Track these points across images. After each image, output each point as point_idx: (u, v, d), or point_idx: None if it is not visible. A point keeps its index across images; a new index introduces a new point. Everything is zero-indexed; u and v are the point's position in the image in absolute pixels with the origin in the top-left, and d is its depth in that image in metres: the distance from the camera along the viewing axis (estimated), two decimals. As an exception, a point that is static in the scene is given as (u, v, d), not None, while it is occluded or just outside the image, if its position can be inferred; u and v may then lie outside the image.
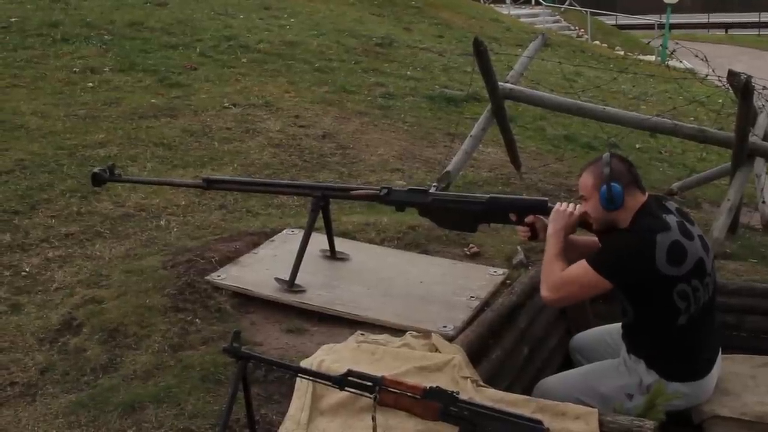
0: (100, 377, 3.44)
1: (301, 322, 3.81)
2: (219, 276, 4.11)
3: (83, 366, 3.52)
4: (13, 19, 10.09)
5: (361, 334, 3.52)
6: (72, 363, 3.55)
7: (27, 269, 4.51)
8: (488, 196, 3.80)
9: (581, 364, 3.79)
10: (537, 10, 26.18)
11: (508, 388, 3.43)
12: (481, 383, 3.08)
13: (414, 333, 3.45)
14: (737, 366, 3.68)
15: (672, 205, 3.46)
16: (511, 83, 6.35)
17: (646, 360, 3.40)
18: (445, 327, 3.65)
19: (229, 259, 4.33)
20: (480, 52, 5.88)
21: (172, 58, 9.33)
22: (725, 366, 3.58)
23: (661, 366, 3.38)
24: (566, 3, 27.29)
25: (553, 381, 3.63)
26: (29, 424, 3.18)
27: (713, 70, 5.65)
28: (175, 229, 5.02)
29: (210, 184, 4.20)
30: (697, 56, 5.52)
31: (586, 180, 3.38)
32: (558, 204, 3.53)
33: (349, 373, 2.68)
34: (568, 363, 3.95)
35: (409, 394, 2.63)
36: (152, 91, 8.10)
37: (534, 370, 3.87)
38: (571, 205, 3.50)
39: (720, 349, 3.54)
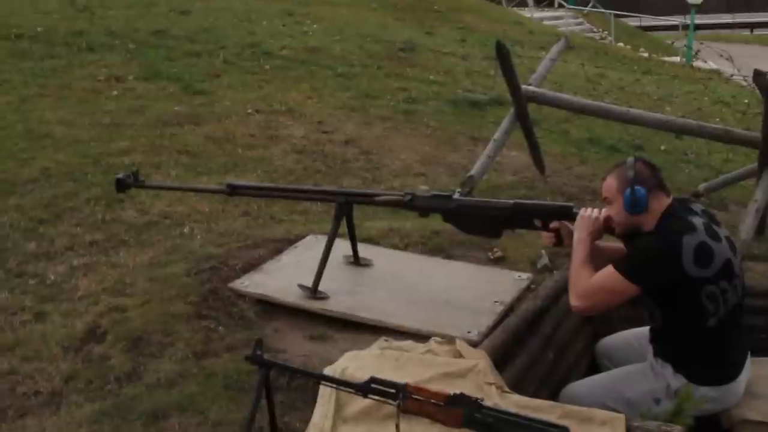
0: (123, 386, 3.43)
1: (324, 328, 3.79)
2: (242, 283, 4.10)
3: (107, 374, 3.51)
4: (39, 29, 10.21)
5: (385, 341, 3.49)
6: (96, 371, 3.55)
7: (52, 277, 4.54)
8: (513, 201, 3.76)
9: (608, 369, 3.74)
10: (560, 12, 26.12)
11: (534, 394, 3.39)
12: (506, 389, 3.05)
13: (438, 339, 3.42)
14: (766, 369, 3.62)
15: (698, 206, 3.42)
16: (534, 86, 6.31)
17: (674, 364, 3.35)
18: (469, 332, 3.62)
19: (252, 266, 4.33)
20: (502, 56, 5.86)
21: (196, 66, 9.40)
22: (754, 369, 3.51)
23: (689, 370, 3.33)
24: (589, 5, 27.20)
25: (579, 386, 3.59)
26: (53, 433, 3.18)
27: (738, 70, 5.59)
28: (198, 237, 5.03)
29: (233, 190, 4.20)
30: (722, 56, 5.46)
31: (611, 183, 3.36)
32: (583, 210, 3.50)
33: (372, 380, 2.65)
34: (594, 368, 3.90)
35: (432, 400, 2.59)
36: (176, 99, 8.15)
37: (560, 376, 3.83)
38: (596, 210, 3.46)
39: (749, 353, 3.49)
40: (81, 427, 3.20)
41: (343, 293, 4.02)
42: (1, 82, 8.27)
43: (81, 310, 4.12)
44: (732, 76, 5.94)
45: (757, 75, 5.15)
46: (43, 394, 3.46)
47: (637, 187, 3.25)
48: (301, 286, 4.00)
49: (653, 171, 3.36)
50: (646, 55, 17.84)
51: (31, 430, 3.23)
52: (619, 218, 3.34)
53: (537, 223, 3.66)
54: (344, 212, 3.99)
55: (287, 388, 3.29)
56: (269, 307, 3.95)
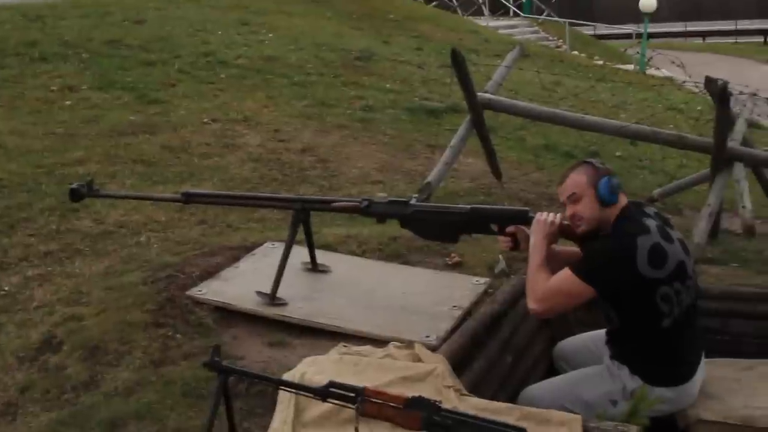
0: (81, 395, 3.40)
1: (283, 335, 3.78)
2: (200, 291, 4.08)
3: (64, 384, 3.48)
4: (-10, 39, 10.05)
5: (344, 346, 3.50)
6: (52, 381, 3.51)
7: (6, 288, 4.48)
8: (470, 206, 3.79)
9: (565, 372, 3.78)
10: (515, 21, 26.36)
11: (493, 397, 3.41)
12: (465, 392, 3.07)
13: (397, 344, 3.44)
14: (721, 370, 3.70)
15: (651, 209, 3.48)
16: (490, 93, 6.36)
17: (630, 365, 3.41)
18: (428, 337, 3.64)
19: (209, 273, 4.30)
20: (458, 63, 5.90)
21: (151, 75, 9.31)
22: (709, 370, 3.58)
23: (645, 371, 3.38)
24: (544, 14, 27.49)
25: (537, 389, 3.63)
26: (9, 444, 3.15)
27: (689, 77, 5.69)
28: (155, 245, 4.99)
29: (189, 198, 4.17)
30: (673, 62, 5.56)
31: (578, 179, 3.37)
32: (539, 214, 3.54)
33: (331, 384, 2.66)
34: (552, 371, 3.94)
35: (391, 404, 2.61)
36: (131, 109, 8.07)
37: (518, 379, 3.86)
38: (552, 215, 3.51)
39: (703, 354, 3.55)
40: (37, 437, 3.16)
41: (302, 299, 4.01)
42: (-49, 92, 8.14)
43: (36, 320, 4.07)
44: (684, 82, 6.04)
45: (709, 81, 5.24)
46: (-1, 404, 3.43)
47: (611, 176, 3.30)
48: (259, 293, 3.98)
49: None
50: (600, 62, 18.07)
51: (-14, 441, 3.20)
52: (590, 213, 3.35)
53: (494, 227, 3.69)
54: (301, 219, 3.98)
55: (246, 394, 3.28)
56: (227, 314, 3.93)
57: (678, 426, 3.50)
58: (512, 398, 3.59)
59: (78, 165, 6.45)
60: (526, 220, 3.60)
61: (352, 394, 2.62)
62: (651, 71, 13.86)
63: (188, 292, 4.06)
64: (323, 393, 2.66)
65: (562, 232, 3.49)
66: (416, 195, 4.01)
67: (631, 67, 17.53)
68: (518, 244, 3.63)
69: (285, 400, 3.04)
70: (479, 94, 6.25)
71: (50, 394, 3.43)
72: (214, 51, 10.61)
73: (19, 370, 3.64)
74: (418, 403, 2.58)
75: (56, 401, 3.38)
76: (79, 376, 3.52)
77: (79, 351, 3.68)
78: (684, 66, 5.68)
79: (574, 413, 3.01)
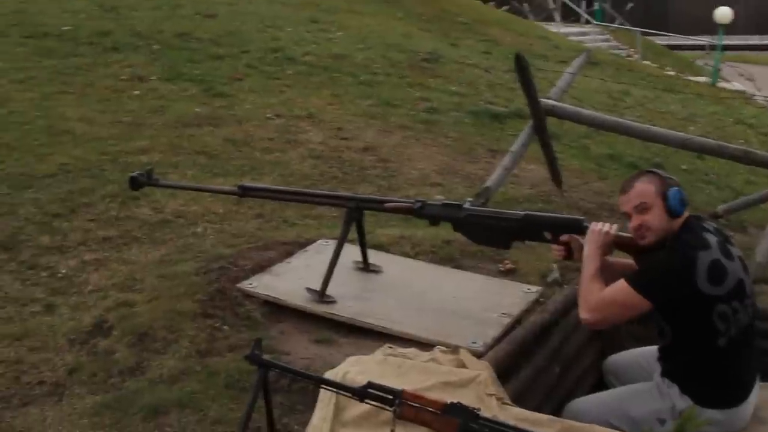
0: (126, 380, 3.45)
1: (330, 333, 3.79)
2: (250, 284, 4.10)
3: (111, 368, 3.54)
4: (65, 28, 10.28)
5: (389, 347, 3.47)
6: (100, 365, 3.58)
7: (63, 271, 4.57)
8: (523, 213, 3.74)
9: (614, 387, 3.71)
10: (587, 28, 26.02)
11: (538, 408, 3.36)
12: (507, 401, 3.02)
13: (442, 348, 3.40)
14: (776, 394, 3.57)
15: (711, 224, 3.38)
16: (553, 99, 6.28)
17: (681, 384, 3.31)
18: (474, 343, 3.60)
19: (262, 267, 4.33)
20: (521, 68, 5.84)
21: (219, 69, 9.42)
22: (763, 394, 3.47)
23: (696, 391, 3.29)
24: (616, 22, 27.09)
25: (583, 402, 3.56)
26: (53, 423, 3.21)
27: (759, 90, 5.53)
28: (211, 237, 5.04)
29: (245, 192, 4.21)
30: (741, 75, 5.41)
31: (646, 188, 3.26)
32: (594, 224, 3.47)
33: (370, 384, 2.64)
34: (600, 385, 3.87)
35: (429, 408, 2.58)
36: (197, 101, 8.18)
37: (565, 391, 3.80)
38: (607, 225, 3.43)
39: (758, 377, 3.44)
40: (82, 418, 3.22)
41: (351, 298, 4.01)
42: (25, 79, 8.33)
43: (90, 304, 4.15)
44: (752, 96, 5.87)
45: (778, 96, 5.11)
46: (47, 384, 3.50)
47: (678, 188, 3.22)
48: (309, 290, 3.99)
49: None
50: (672, 73, 17.73)
51: (33, 418, 3.26)
52: (659, 224, 3.24)
53: (547, 235, 3.63)
54: (354, 218, 3.98)
55: (288, 390, 3.29)
56: (276, 309, 3.95)
57: (728, 450, 3.40)
58: (558, 410, 3.52)
59: (142, 154, 6.56)
60: (580, 229, 3.54)
61: (390, 397, 2.60)
62: (722, 84, 13.55)
63: (239, 285, 4.09)
64: (361, 393, 2.65)
65: (618, 243, 3.42)
66: (470, 199, 3.96)
67: (702, 79, 17.17)
68: (572, 254, 3.57)
69: (326, 398, 3.03)
70: (542, 100, 6.18)
71: (97, 378, 3.49)
72: (282, 47, 10.69)
73: (69, 352, 3.71)
74: (455, 409, 2.55)
75: (102, 385, 3.44)
76: (126, 361, 3.57)
77: (128, 336, 3.74)
78: (754, 79, 5.51)
79: (620, 430, 2.95)
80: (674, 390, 3.32)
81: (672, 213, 3.23)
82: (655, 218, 3.26)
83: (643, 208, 3.27)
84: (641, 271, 3.28)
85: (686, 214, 3.29)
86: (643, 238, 3.30)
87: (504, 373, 3.32)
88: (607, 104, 8.78)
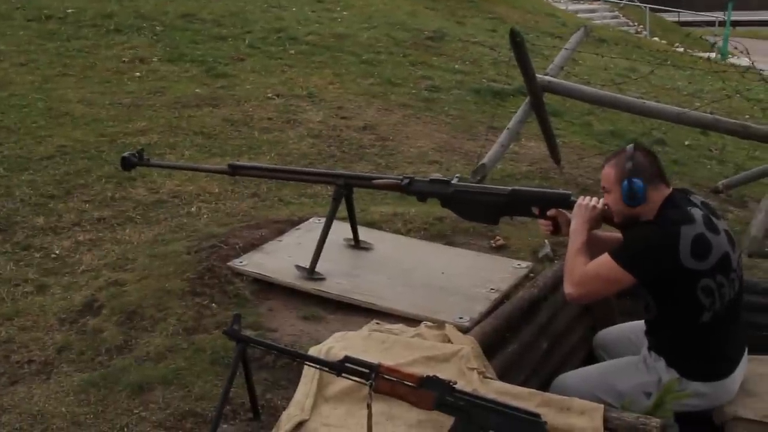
0: (113, 358, 3.47)
1: (318, 309, 3.79)
2: (240, 262, 4.11)
3: (99, 346, 3.56)
4: (69, 10, 10.29)
5: (376, 323, 3.49)
6: (89, 343, 3.60)
7: (57, 252, 4.60)
8: (510, 188, 3.73)
9: (604, 361, 3.71)
10: (595, 5, 25.79)
11: (524, 383, 3.37)
12: (489, 375, 3.03)
13: (428, 323, 3.41)
14: (764, 367, 3.56)
15: (697, 198, 3.36)
16: (551, 76, 6.24)
17: (667, 358, 3.32)
18: (461, 318, 3.59)
19: (253, 246, 4.33)
20: (516, 44, 5.80)
21: (221, 50, 9.41)
22: (752, 367, 3.46)
23: (682, 364, 3.29)
24: (626, -2, 26.85)
25: (571, 377, 3.57)
26: (40, 401, 3.22)
27: (753, 63, 5.46)
28: (205, 216, 5.06)
29: (235, 170, 4.20)
30: (736, 48, 5.35)
31: (609, 172, 3.31)
32: (581, 198, 3.46)
33: (346, 359, 2.65)
34: (591, 359, 3.87)
35: (405, 382, 2.59)
36: (198, 81, 8.18)
37: (553, 366, 3.81)
38: (594, 199, 3.42)
39: (746, 349, 3.43)
40: (68, 395, 3.24)
41: (340, 275, 4.01)
42: (27, 61, 8.35)
43: (81, 284, 4.18)
44: (747, 69, 5.79)
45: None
46: (36, 363, 3.53)
47: (634, 179, 3.19)
48: (298, 267, 4.00)
49: (653, 160, 3.30)
50: (681, 50, 17.56)
51: (20, 396, 3.29)
52: (617, 208, 3.30)
53: (534, 210, 3.63)
54: (343, 194, 3.97)
55: (273, 366, 3.29)
56: (265, 286, 3.96)
57: (714, 422, 3.40)
58: (545, 385, 3.53)
59: (140, 135, 6.58)
60: (567, 203, 3.53)
61: (367, 371, 2.61)
62: (733, 60, 13.37)
63: (229, 263, 4.10)
64: (338, 368, 2.66)
65: (606, 217, 3.41)
66: (458, 175, 3.94)
67: (712, 55, 17.00)
68: (559, 229, 3.57)
69: (309, 374, 3.05)
70: (539, 76, 6.14)
71: (85, 356, 3.51)
72: (285, 27, 10.65)
73: (59, 332, 3.73)
74: (431, 382, 2.56)
75: (89, 363, 3.46)
76: (114, 339, 3.59)
77: (117, 315, 3.75)
78: (748, 52, 5.45)
79: (607, 403, 2.95)
80: (660, 363, 3.32)
81: (627, 203, 3.22)
82: (614, 202, 3.29)
83: (606, 191, 3.30)
84: (624, 246, 3.27)
85: (668, 189, 3.28)
86: (611, 218, 3.33)
87: (490, 348, 3.33)
88: (615, 81, 8.68)
